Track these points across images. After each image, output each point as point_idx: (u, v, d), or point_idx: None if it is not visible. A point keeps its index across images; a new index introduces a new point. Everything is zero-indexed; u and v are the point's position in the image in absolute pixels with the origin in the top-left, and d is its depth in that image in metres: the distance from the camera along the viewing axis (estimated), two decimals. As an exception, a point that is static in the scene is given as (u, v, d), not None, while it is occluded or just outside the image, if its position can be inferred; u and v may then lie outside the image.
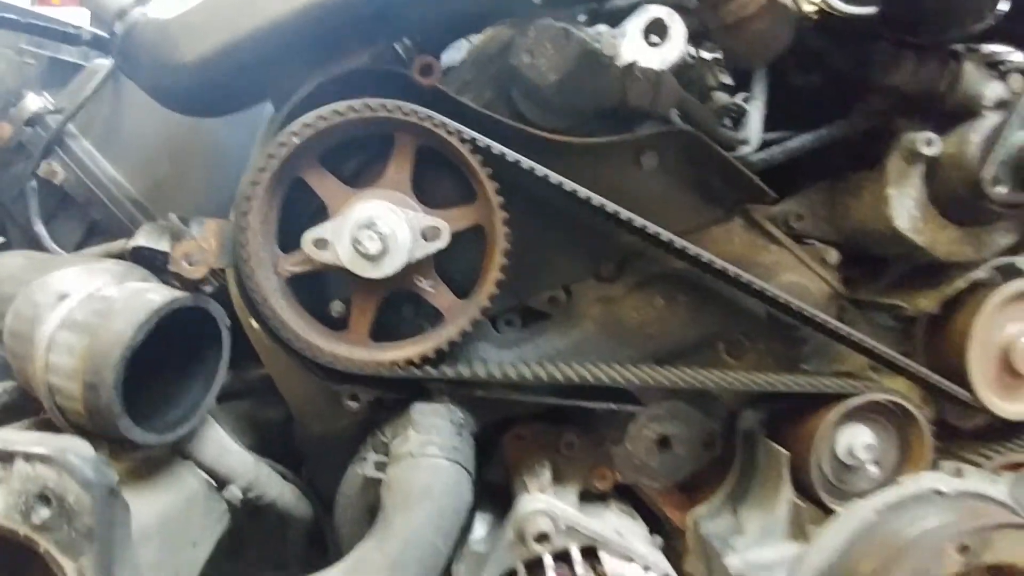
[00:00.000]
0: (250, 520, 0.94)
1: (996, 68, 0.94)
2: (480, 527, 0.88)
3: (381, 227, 0.72)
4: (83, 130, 1.13)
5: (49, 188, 1.11)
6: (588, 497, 0.93)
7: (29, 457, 0.55)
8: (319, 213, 0.81)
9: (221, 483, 0.78)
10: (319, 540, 1.05)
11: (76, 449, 0.55)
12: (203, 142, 1.12)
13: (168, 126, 1.11)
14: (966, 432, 1.01)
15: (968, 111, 0.87)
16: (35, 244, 1.10)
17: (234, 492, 0.78)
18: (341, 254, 0.73)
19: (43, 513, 0.55)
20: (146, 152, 1.12)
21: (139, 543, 0.62)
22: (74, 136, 1.12)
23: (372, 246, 0.72)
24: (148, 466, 0.72)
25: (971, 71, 0.85)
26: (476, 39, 0.98)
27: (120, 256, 0.98)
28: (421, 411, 0.77)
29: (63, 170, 1.10)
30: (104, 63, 1.15)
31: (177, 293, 0.69)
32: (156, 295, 0.66)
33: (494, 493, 0.94)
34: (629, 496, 0.99)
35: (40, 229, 1.09)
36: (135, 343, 0.61)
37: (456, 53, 1.03)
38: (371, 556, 0.63)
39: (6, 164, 1.14)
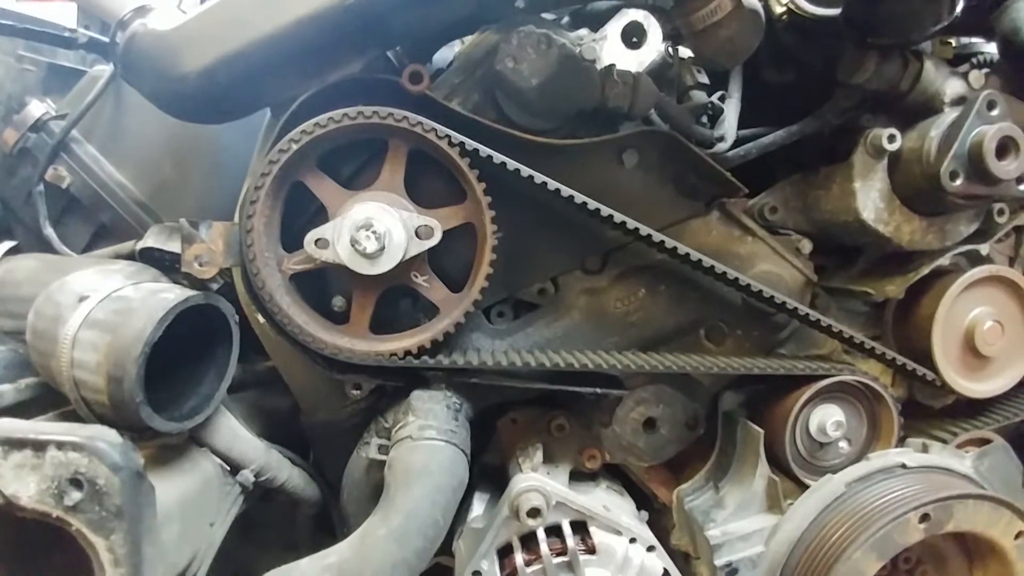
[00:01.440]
0: (261, 503, 0.99)
1: (966, 60, 0.99)
2: (478, 506, 0.94)
3: (378, 227, 0.77)
4: (86, 135, 1.17)
5: (56, 192, 1.15)
6: (578, 476, 0.98)
7: (62, 445, 0.60)
8: (318, 214, 0.86)
9: (234, 468, 0.83)
10: (326, 522, 1.11)
11: (105, 436, 0.60)
12: (204, 145, 1.16)
13: (169, 130, 1.15)
14: (935, 410, 1.07)
15: (929, 107, 0.92)
16: (45, 246, 1.14)
17: (247, 476, 0.83)
18: (341, 253, 0.78)
19: (75, 496, 0.60)
20: (149, 156, 1.16)
21: (161, 524, 0.67)
22: (78, 141, 1.16)
23: (370, 245, 0.77)
24: (166, 453, 0.77)
25: (931, 70, 0.90)
26: (464, 43, 1.03)
27: (129, 256, 1.03)
28: (420, 397, 0.82)
29: (70, 175, 1.14)
30: (105, 68, 1.19)
31: (190, 292, 0.74)
32: (171, 294, 0.71)
33: (491, 475, 0.99)
34: (618, 475, 1.05)
35: (49, 232, 1.13)
36: (154, 339, 0.66)
37: (448, 51, 1.07)
38: (377, 530, 0.69)
39: (11, 169, 1.18)
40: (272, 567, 0.75)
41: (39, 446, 0.60)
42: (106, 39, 1.43)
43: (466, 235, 0.86)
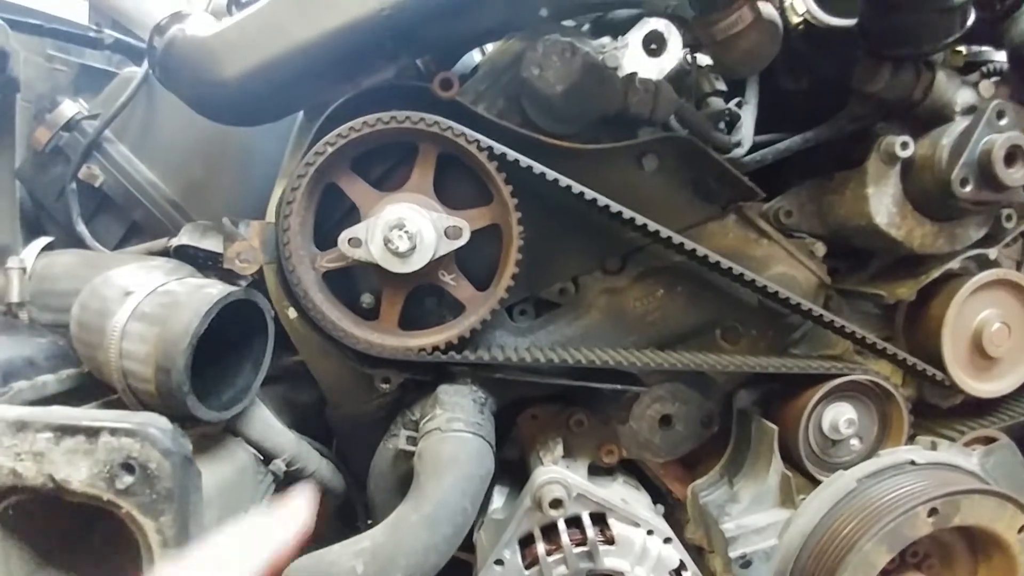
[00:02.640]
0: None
1: (976, 69, 1.01)
2: (498, 498, 0.97)
3: (410, 227, 0.80)
4: (119, 135, 1.20)
5: (89, 190, 1.19)
6: (596, 471, 1.01)
7: (115, 431, 0.63)
8: (348, 215, 0.89)
9: (267, 457, 0.87)
10: (347, 512, 1.14)
11: (156, 423, 0.64)
12: (233, 147, 1.19)
13: (200, 131, 1.18)
14: (943, 410, 1.10)
15: (940, 116, 0.95)
16: (78, 243, 1.17)
17: (279, 465, 0.86)
18: (374, 251, 0.81)
19: (127, 479, 0.63)
20: (179, 156, 1.19)
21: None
22: (111, 141, 1.19)
23: (402, 244, 0.80)
24: (205, 442, 0.80)
25: (943, 80, 0.93)
26: (489, 50, 1.06)
27: (162, 253, 1.06)
28: (447, 391, 0.86)
29: (103, 173, 1.17)
30: (136, 70, 1.22)
31: (231, 287, 0.77)
32: (214, 289, 0.74)
33: (509, 469, 1.02)
34: (634, 470, 1.08)
35: (82, 229, 1.16)
36: (201, 331, 0.70)
37: (468, 58, 1.10)
38: (409, 516, 0.72)
39: (44, 167, 1.21)
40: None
41: (92, 432, 0.64)
42: (131, 40, 1.48)
43: (490, 236, 0.89)
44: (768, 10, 0.84)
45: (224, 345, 0.83)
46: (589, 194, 0.85)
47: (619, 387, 0.91)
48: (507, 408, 0.99)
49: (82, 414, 0.67)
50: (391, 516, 0.74)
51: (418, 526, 0.71)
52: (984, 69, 1.07)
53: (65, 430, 0.64)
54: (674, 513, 1.07)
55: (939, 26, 0.85)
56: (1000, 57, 1.10)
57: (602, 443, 1.01)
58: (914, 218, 0.95)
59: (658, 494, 1.08)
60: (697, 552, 1.04)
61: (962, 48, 1.11)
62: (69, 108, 1.20)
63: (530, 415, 1.01)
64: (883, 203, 0.93)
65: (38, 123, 1.21)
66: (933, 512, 0.85)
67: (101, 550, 0.69)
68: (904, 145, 0.91)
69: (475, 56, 1.25)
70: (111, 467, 0.64)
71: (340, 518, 1.12)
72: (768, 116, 1.04)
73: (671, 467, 1.09)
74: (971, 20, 0.86)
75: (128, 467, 0.63)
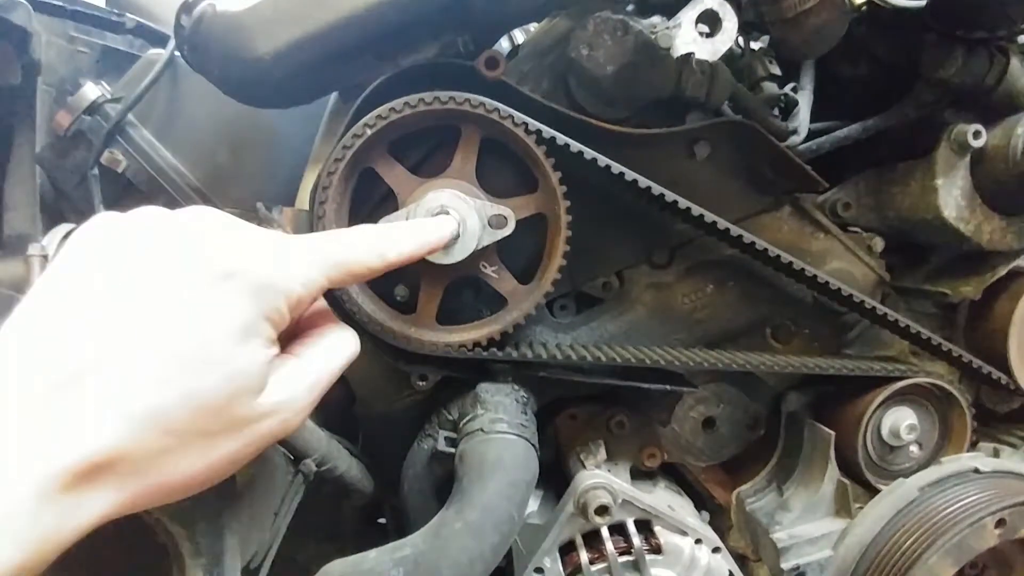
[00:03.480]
0: (309, 492, 0.99)
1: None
2: (532, 502, 0.92)
3: (452, 214, 0.76)
4: (142, 120, 1.16)
5: (111, 175, 1.15)
6: (637, 475, 0.97)
7: (146, 429, 0.59)
8: (383, 202, 0.85)
9: (297, 456, 0.82)
10: (372, 514, 1.10)
11: (190, 422, 0.59)
12: (259, 132, 1.16)
13: (225, 116, 1.14)
14: (1001, 415, 1.05)
15: (1014, 104, 0.89)
16: (99, 230, 1.14)
17: (309, 465, 0.82)
18: (414, 241, 0.76)
19: (157, 482, 0.59)
20: (204, 141, 1.16)
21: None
22: (134, 125, 1.15)
23: (444, 233, 0.75)
24: (234, 440, 0.76)
25: (1017, 66, 0.87)
26: (522, 37, 1.01)
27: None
28: (488, 390, 0.81)
29: (125, 158, 1.13)
30: (160, 52, 1.18)
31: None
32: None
33: (542, 471, 0.98)
34: (674, 474, 1.04)
35: (104, 215, 1.13)
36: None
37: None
38: (453, 523, 0.67)
39: (64, 152, 1.17)
40: (312, 558, 0.74)
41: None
42: (152, 24, 1.44)
43: (532, 226, 0.84)
44: (837, -13, 0.78)
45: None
46: (643, 182, 0.80)
47: (668, 387, 0.86)
48: (543, 408, 0.94)
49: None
50: (432, 522, 0.70)
51: (463, 534, 0.67)
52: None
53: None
54: (715, 520, 1.02)
55: (1018, 8, 0.79)
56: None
57: (644, 446, 0.96)
58: (983, 212, 0.90)
59: (699, 499, 1.03)
60: (740, 560, 1.00)
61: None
62: (92, 91, 1.16)
63: (568, 415, 0.97)
64: (952, 195, 0.88)
65: (59, 107, 1.17)
66: (1001, 523, 0.81)
67: (128, 561, 0.65)
68: (977, 134, 0.86)
69: (503, 41, 1.21)
70: (140, 468, 0.59)
71: (361, 517, 1.09)
72: (822, 103, 0.98)
73: (713, 471, 1.05)
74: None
75: (158, 469, 0.59)
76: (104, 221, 0.45)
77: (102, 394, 0.38)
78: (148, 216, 0.45)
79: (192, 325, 0.41)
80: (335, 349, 0.53)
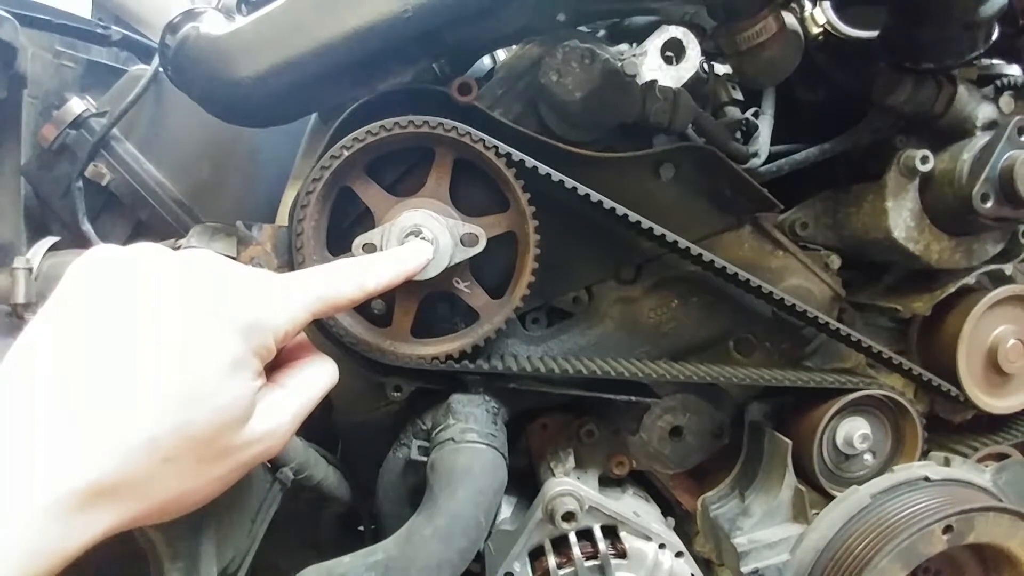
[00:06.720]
0: (286, 500, 1.01)
1: (991, 82, 1.01)
2: (506, 508, 0.96)
3: (426, 233, 0.79)
4: (126, 133, 1.19)
5: (95, 188, 1.17)
6: (606, 482, 1.00)
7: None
8: (360, 220, 0.88)
9: (274, 465, 0.85)
10: (350, 521, 1.12)
11: (169, 433, 0.62)
12: (241, 147, 1.19)
13: (209, 131, 1.17)
14: (955, 425, 1.10)
15: (961, 130, 0.94)
16: (82, 242, 1.16)
17: (287, 473, 0.85)
18: (389, 258, 0.79)
19: (137, 489, 0.62)
20: (187, 156, 1.18)
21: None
22: (119, 139, 1.18)
23: (418, 251, 0.78)
24: (213, 449, 0.78)
25: (964, 94, 0.93)
26: (504, 55, 1.05)
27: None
28: (460, 401, 0.84)
29: (110, 172, 1.16)
30: (144, 68, 1.21)
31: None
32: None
33: (517, 478, 1.01)
34: (643, 481, 1.07)
35: (88, 228, 1.15)
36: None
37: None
38: (422, 530, 0.70)
39: (49, 165, 1.20)
40: (291, 564, 0.76)
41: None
42: (138, 37, 1.46)
43: (504, 243, 0.88)
44: (791, 21, 0.83)
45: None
46: (608, 203, 0.84)
47: (632, 398, 0.90)
48: (515, 417, 0.98)
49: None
50: (404, 528, 0.73)
51: (432, 539, 0.70)
52: (998, 83, 1.07)
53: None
54: (682, 526, 1.06)
55: (964, 41, 0.84)
56: (1014, 71, 1.10)
57: (612, 454, 1.00)
58: (932, 232, 0.94)
59: (667, 506, 1.07)
60: (705, 565, 1.03)
61: (976, 62, 1.11)
62: (77, 105, 1.19)
63: (540, 424, 1.00)
64: (901, 217, 0.93)
65: (44, 120, 1.19)
66: (948, 529, 0.85)
67: (107, 564, 0.67)
68: (924, 159, 0.91)
69: (483, 61, 1.24)
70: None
71: (340, 525, 1.11)
72: (781, 127, 1.03)
73: (680, 479, 1.08)
74: (995, 36, 0.86)
75: (139, 477, 0.61)
76: (105, 256, 0.48)
77: (104, 425, 0.42)
78: (147, 254, 0.49)
79: (186, 362, 0.45)
80: (316, 379, 0.58)
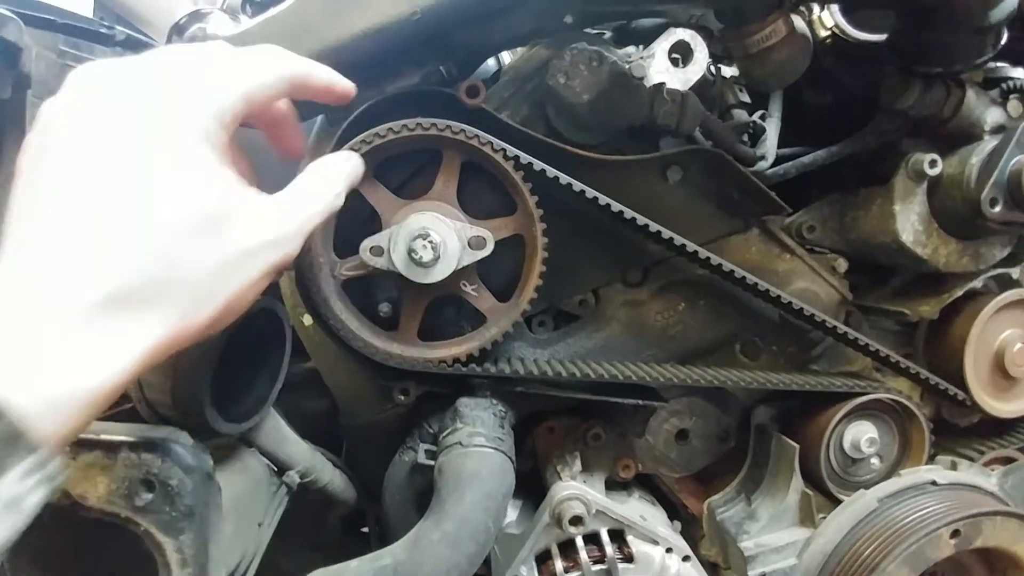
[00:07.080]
0: (295, 503, 1.01)
1: (997, 86, 1.01)
2: (512, 511, 0.96)
3: (434, 237, 0.78)
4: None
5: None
6: (612, 485, 1.00)
7: (135, 446, 0.61)
8: (368, 222, 0.88)
9: (281, 468, 0.85)
10: (355, 524, 1.12)
11: (178, 438, 0.62)
12: (246, 146, 1.17)
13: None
14: (961, 429, 1.10)
15: (969, 135, 0.94)
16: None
17: (293, 477, 0.85)
18: (396, 261, 0.79)
19: (146, 496, 0.61)
20: (191, 156, 1.17)
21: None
22: (123, 140, 1.17)
23: (425, 254, 0.78)
24: (218, 453, 0.78)
25: (972, 98, 0.92)
26: (511, 58, 1.05)
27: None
28: (467, 405, 0.84)
29: (113, 173, 1.15)
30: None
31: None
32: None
33: (523, 481, 1.01)
34: (648, 485, 1.07)
35: (91, 229, 1.14)
36: (222, 341, 0.68)
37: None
38: (430, 534, 0.70)
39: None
40: (297, 567, 0.76)
41: (111, 447, 0.62)
42: (142, 37, 1.46)
43: (511, 246, 0.87)
44: (800, 24, 0.83)
45: (237, 353, 0.81)
46: (616, 207, 0.84)
47: (639, 402, 0.90)
48: (522, 420, 0.97)
49: (100, 427, 0.65)
50: (411, 533, 0.73)
51: (440, 544, 0.69)
52: (1004, 86, 1.07)
53: (82, 444, 0.62)
54: (688, 529, 1.05)
55: (973, 46, 0.84)
56: (1020, 74, 1.09)
57: (619, 457, 1.00)
58: (939, 236, 0.94)
59: (672, 509, 1.07)
60: (712, 569, 1.03)
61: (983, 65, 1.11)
62: (80, 105, 1.17)
63: (547, 428, 1.00)
64: (909, 220, 0.92)
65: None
66: (955, 534, 0.85)
67: (115, 569, 0.67)
68: (933, 163, 0.91)
69: (488, 63, 1.24)
70: (130, 483, 0.62)
71: (345, 527, 1.11)
72: (788, 129, 1.03)
73: (686, 482, 1.08)
74: (1004, 40, 0.86)
75: (148, 484, 0.61)
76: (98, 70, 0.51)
77: (111, 236, 0.43)
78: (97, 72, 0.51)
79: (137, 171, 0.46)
80: (326, 180, 0.65)
